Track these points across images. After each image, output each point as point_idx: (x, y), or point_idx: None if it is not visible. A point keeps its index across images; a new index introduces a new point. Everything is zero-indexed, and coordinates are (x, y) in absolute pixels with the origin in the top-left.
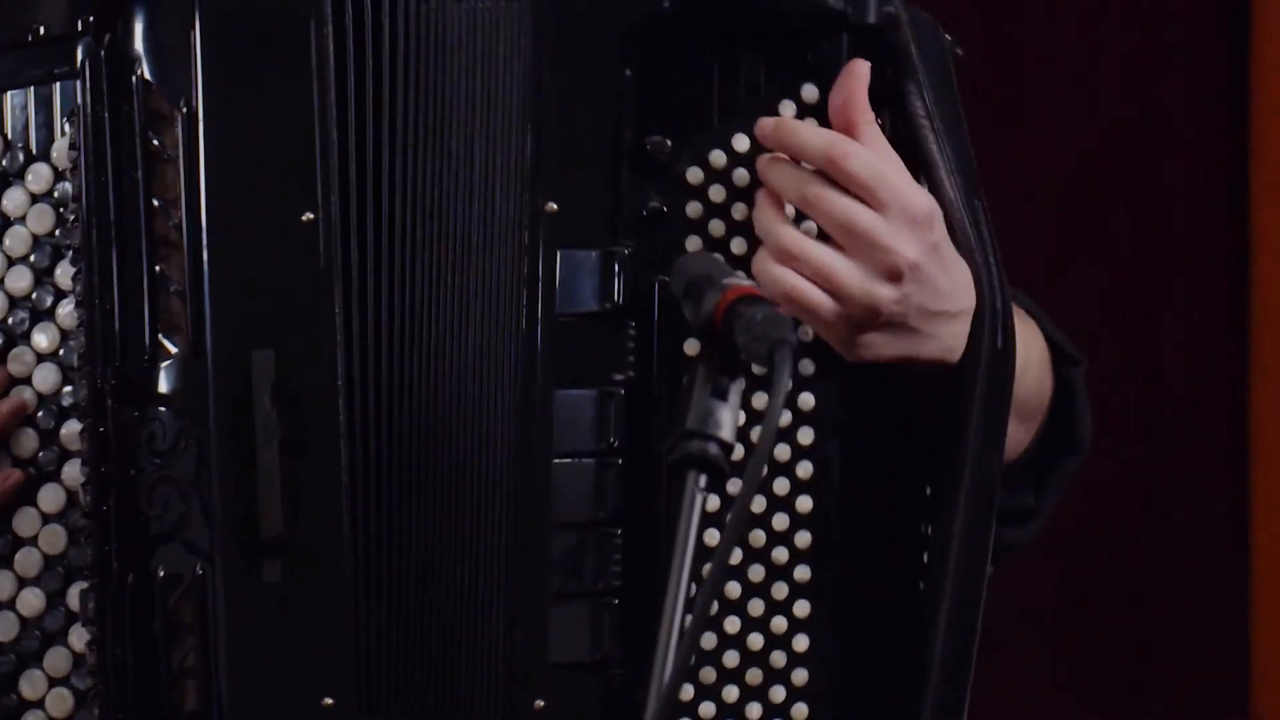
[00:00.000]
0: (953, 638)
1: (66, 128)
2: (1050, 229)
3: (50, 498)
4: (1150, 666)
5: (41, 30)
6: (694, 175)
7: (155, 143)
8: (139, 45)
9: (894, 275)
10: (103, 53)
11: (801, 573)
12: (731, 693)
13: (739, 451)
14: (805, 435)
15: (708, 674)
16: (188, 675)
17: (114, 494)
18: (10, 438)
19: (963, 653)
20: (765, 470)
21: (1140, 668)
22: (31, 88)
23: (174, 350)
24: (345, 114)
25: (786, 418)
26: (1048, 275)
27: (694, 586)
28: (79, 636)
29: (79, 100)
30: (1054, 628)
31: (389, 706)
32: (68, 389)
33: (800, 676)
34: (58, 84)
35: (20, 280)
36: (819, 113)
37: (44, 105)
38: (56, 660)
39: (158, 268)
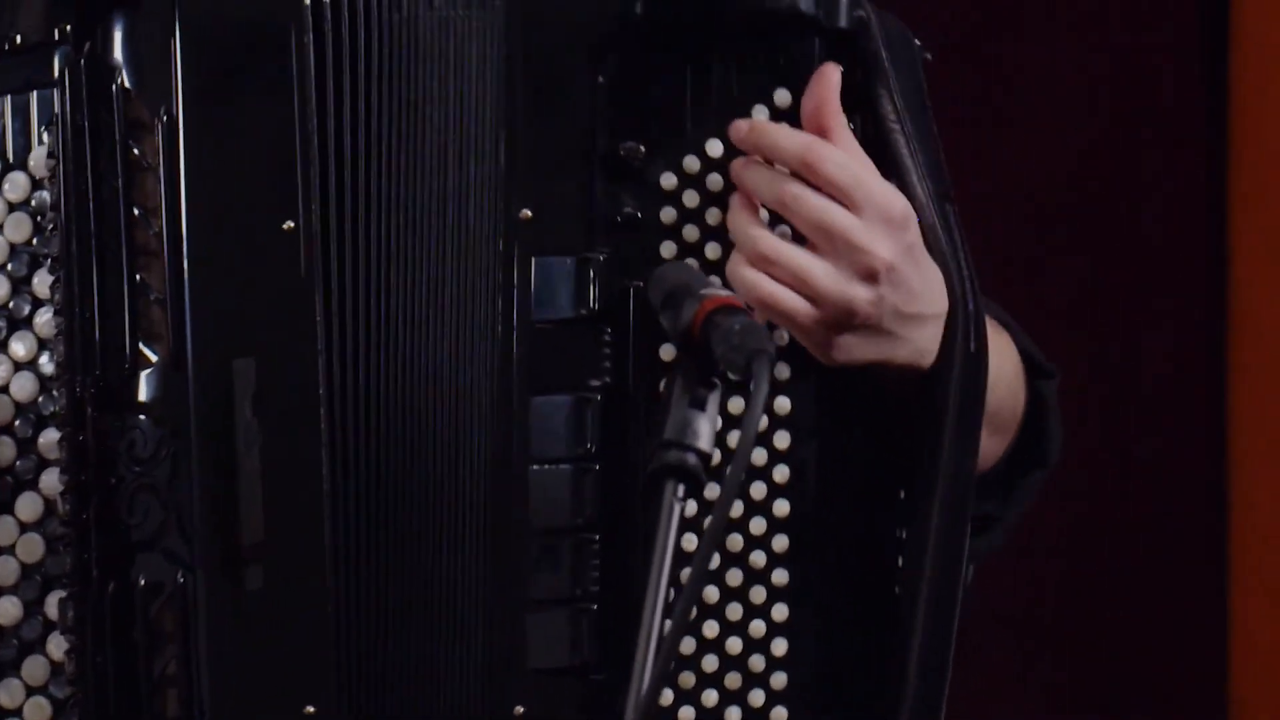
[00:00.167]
0: (929, 640)
1: (45, 137)
2: (1031, 233)
3: (28, 506)
4: (1129, 669)
5: (18, 39)
6: (668, 181)
7: (135, 151)
8: (118, 53)
9: (870, 276)
10: (82, 61)
11: (779, 576)
12: (711, 697)
13: (717, 456)
14: (781, 439)
15: (687, 678)
16: (169, 684)
17: (94, 502)
18: None
19: (940, 655)
20: (743, 478)
21: (1119, 669)
22: (8, 96)
23: (154, 358)
24: (324, 123)
25: (763, 422)
26: (1027, 279)
27: (673, 592)
28: (57, 645)
29: (58, 109)
30: (1032, 630)
31: (370, 714)
32: (45, 398)
33: (779, 680)
34: (34, 93)
35: None
36: (791, 117)
37: (20, 114)
38: (34, 669)
39: (138, 276)
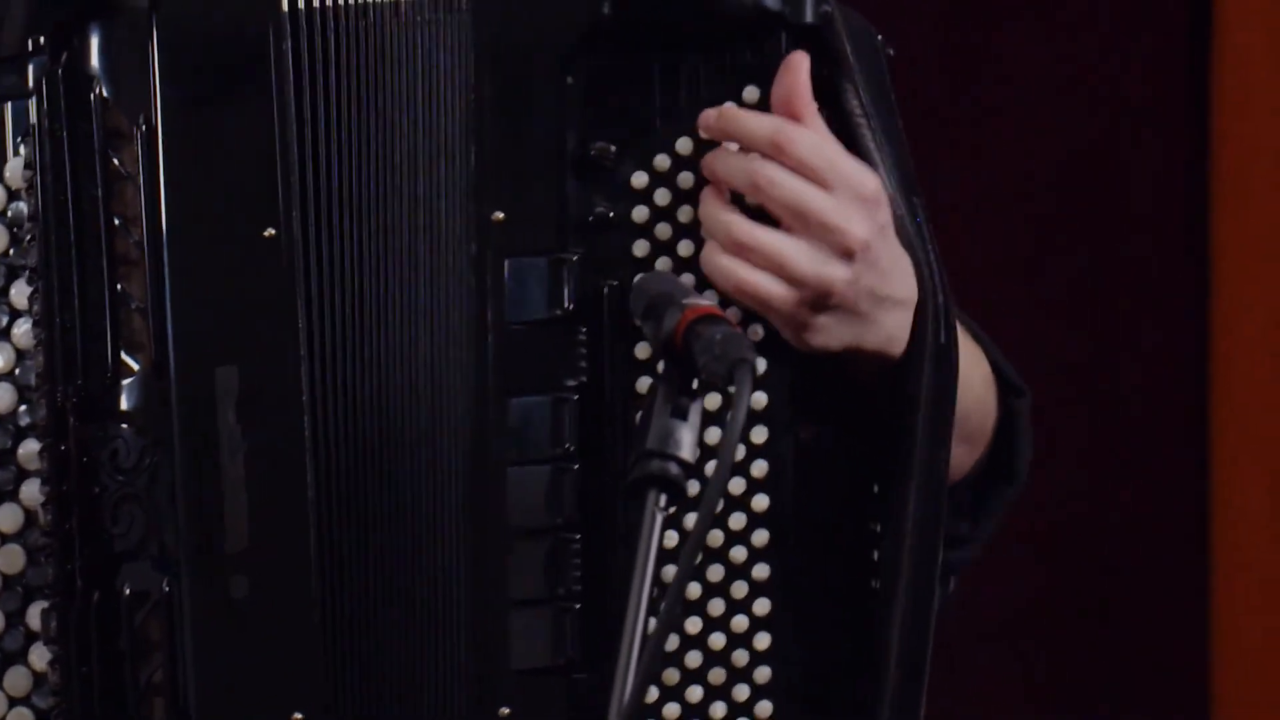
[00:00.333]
0: (908, 632)
1: (21, 148)
2: (1012, 239)
3: (8, 517)
4: (1112, 670)
5: None
6: (639, 179)
7: (114, 161)
8: (96, 63)
9: (846, 254)
10: (60, 71)
11: (760, 571)
12: (695, 693)
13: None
14: (759, 434)
15: (671, 675)
16: (156, 692)
17: (76, 512)
18: None
19: (919, 646)
20: (725, 485)
21: (1101, 670)
22: None
23: (136, 368)
24: (302, 130)
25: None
26: (1010, 283)
27: (655, 590)
28: (40, 656)
29: (35, 119)
30: (1015, 630)
31: (357, 718)
32: (24, 409)
33: (763, 674)
34: (9, 104)
35: None
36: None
37: None
38: (17, 679)
39: (119, 285)
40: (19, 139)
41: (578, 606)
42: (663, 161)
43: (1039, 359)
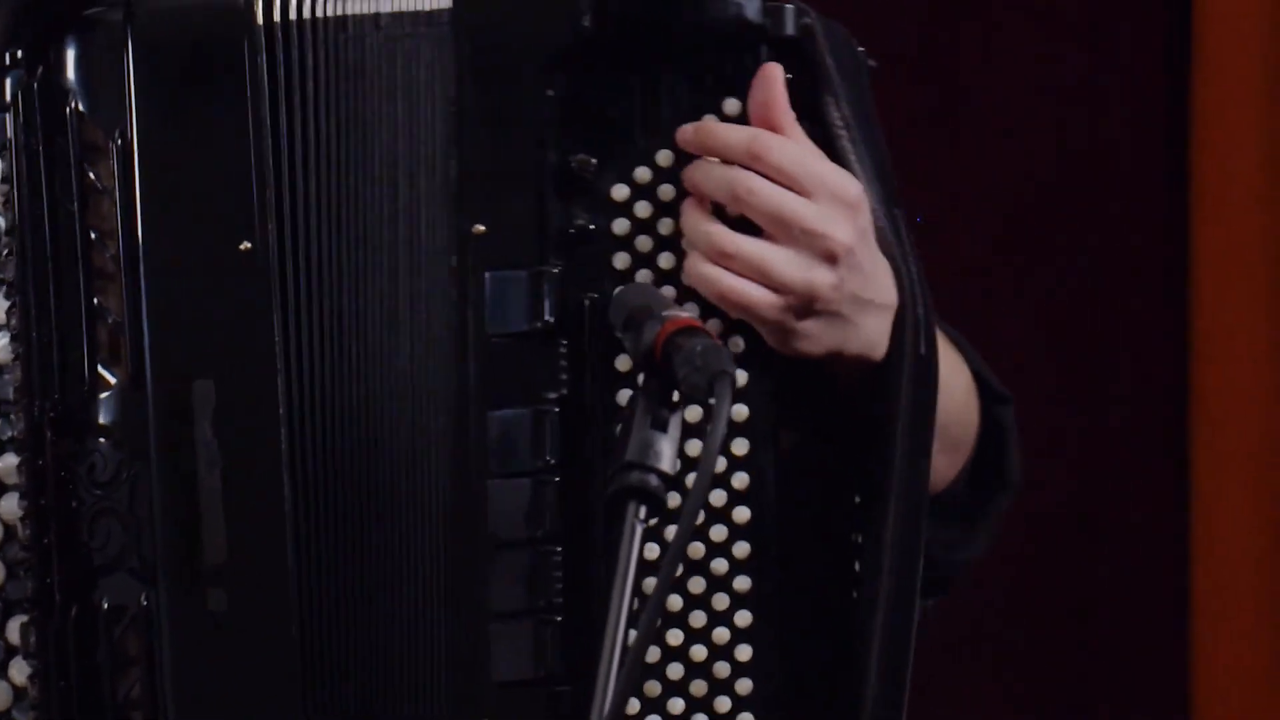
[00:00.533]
0: (889, 643)
1: None
2: (990, 245)
3: None
4: (1091, 682)
5: None
6: (619, 192)
7: (90, 174)
8: (72, 76)
9: (830, 258)
10: (35, 84)
11: (741, 583)
12: (677, 705)
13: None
14: (740, 446)
15: (652, 687)
16: (134, 706)
17: (54, 526)
18: None
19: (899, 658)
20: (706, 496)
21: (1081, 681)
22: None
23: (113, 381)
24: (278, 142)
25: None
26: (985, 293)
27: (636, 602)
28: (19, 670)
29: (11, 133)
30: (994, 641)
31: None
32: (2, 423)
33: (744, 686)
34: None
35: None
36: (741, 125)
37: None
38: None
39: (95, 299)
40: None
41: (559, 619)
42: (643, 174)
43: (1018, 367)
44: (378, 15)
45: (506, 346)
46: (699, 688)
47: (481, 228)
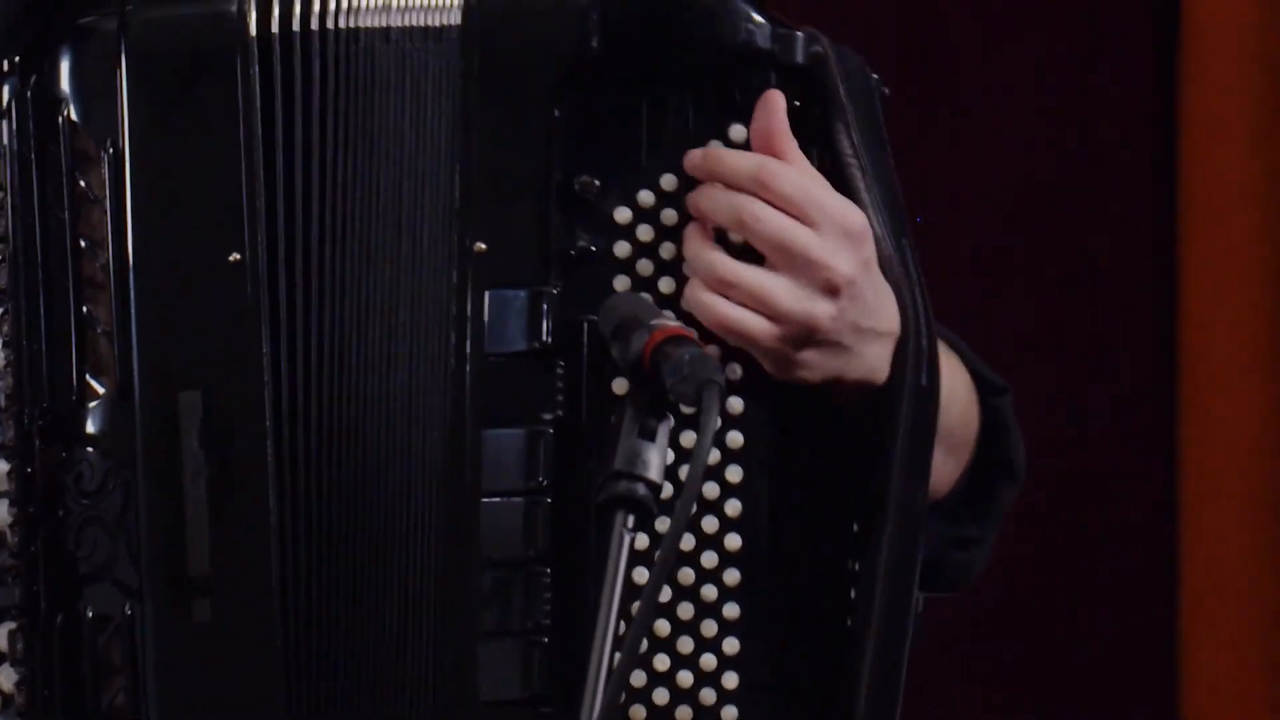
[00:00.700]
0: (880, 672)
1: None
2: (980, 248)
3: None
4: (1077, 689)
5: None
6: (622, 215)
7: (82, 183)
8: (65, 85)
9: (831, 290)
10: (29, 93)
11: (730, 610)
12: None
13: (667, 490)
14: (734, 473)
15: (638, 711)
16: (118, 715)
17: (41, 534)
18: None
19: (890, 687)
20: (694, 508)
21: (1067, 689)
22: None
23: (101, 391)
24: (273, 154)
25: (715, 456)
26: (976, 292)
27: (623, 625)
28: (7, 676)
29: (5, 140)
30: (983, 642)
31: None
32: None
33: (730, 714)
34: None
35: None
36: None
37: None
38: None
39: (85, 308)
40: None
41: (546, 640)
42: (646, 197)
43: (1007, 367)
44: (388, 29)
45: (503, 366)
46: (684, 713)
47: (483, 246)
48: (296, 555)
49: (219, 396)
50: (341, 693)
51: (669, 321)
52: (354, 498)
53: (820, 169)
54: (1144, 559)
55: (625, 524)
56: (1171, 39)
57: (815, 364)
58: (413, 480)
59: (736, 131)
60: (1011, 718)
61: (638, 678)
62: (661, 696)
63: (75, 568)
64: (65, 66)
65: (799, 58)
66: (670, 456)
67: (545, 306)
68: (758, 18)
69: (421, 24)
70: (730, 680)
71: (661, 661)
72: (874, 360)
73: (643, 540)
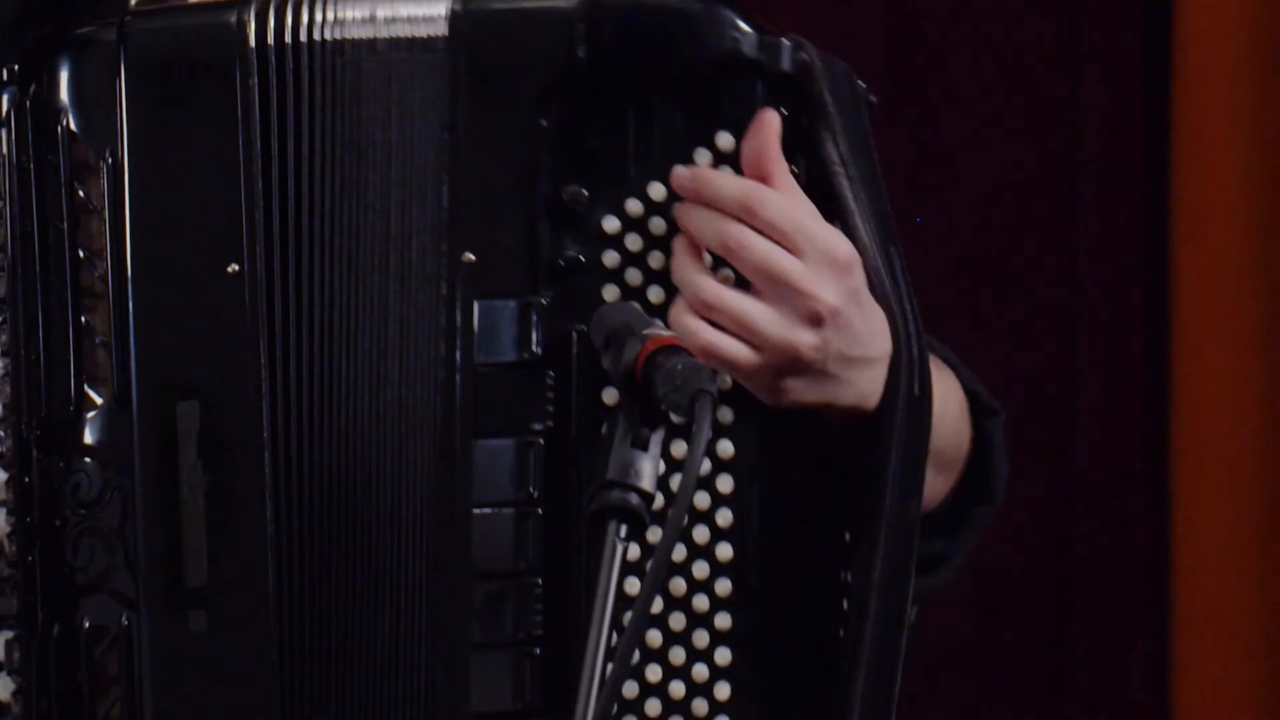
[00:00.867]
0: (873, 685)
1: None
2: (968, 250)
3: None
4: (1072, 688)
5: None
6: (610, 225)
7: (81, 193)
8: (64, 95)
9: (815, 320)
10: (28, 102)
11: (722, 621)
12: None
13: (659, 500)
14: (725, 483)
15: None
16: None
17: (39, 545)
18: None
19: (883, 700)
20: (685, 519)
21: (1062, 689)
22: None
23: (99, 401)
24: (269, 165)
25: (706, 466)
26: (964, 297)
27: (615, 635)
28: (4, 685)
29: (4, 150)
30: (974, 647)
31: None
32: None
33: None
34: None
35: None
36: (734, 160)
37: None
38: None
39: (83, 318)
40: None
41: (538, 651)
42: (635, 207)
43: (996, 373)
44: (374, 40)
45: (494, 376)
46: None
47: (472, 256)
48: (292, 567)
49: (217, 407)
50: (335, 703)
51: (661, 331)
52: (348, 509)
53: (807, 178)
54: (1136, 561)
55: (618, 534)
56: (1163, 41)
57: (800, 391)
58: (404, 491)
59: (724, 140)
60: (1004, 718)
61: (629, 689)
62: (654, 708)
63: (72, 578)
64: (64, 76)
65: (785, 66)
66: (661, 466)
67: (535, 316)
68: (744, 26)
69: (408, 35)
70: (722, 691)
71: (653, 672)
72: (866, 386)
73: (634, 551)
